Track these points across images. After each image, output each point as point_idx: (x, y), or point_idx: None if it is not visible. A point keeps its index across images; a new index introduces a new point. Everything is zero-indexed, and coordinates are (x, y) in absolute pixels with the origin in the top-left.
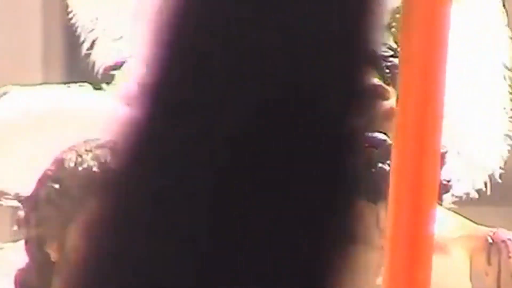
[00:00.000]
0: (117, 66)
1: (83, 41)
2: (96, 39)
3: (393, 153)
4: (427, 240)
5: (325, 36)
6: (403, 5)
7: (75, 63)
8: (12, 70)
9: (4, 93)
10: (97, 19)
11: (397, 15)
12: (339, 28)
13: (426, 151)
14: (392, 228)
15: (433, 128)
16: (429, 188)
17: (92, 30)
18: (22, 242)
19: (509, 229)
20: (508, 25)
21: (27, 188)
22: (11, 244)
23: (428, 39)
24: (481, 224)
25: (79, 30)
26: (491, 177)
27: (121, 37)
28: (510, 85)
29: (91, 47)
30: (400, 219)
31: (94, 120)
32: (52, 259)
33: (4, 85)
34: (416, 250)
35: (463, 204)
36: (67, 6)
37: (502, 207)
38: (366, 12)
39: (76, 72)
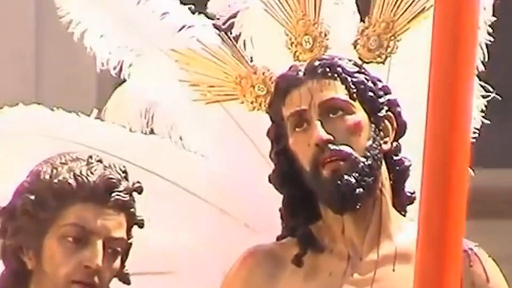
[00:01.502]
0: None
1: None
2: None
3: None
4: (457, 247)
5: None
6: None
7: None
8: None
9: None
10: None
11: (362, 33)
12: None
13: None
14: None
15: (461, 140)
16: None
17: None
18: None
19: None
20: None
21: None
22: None
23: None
24: None
25: None
26: None
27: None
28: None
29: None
30: (431, 229)
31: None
32: (29, 267)
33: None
34: (445, 257)
35: None
36: None
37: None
38: None
39: None
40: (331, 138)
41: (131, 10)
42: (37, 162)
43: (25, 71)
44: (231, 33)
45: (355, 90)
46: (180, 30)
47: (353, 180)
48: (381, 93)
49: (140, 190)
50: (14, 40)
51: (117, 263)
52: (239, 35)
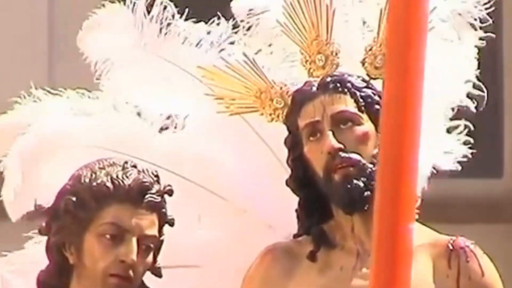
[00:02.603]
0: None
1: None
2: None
3: (378, 172)
4: (407, 246)
5: None
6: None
7: None
8: None
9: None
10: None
11: (370, 51)
12: None
13: (405, 170)
14: (377, 236)
15: (412, 148)
16: (408, 201)
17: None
18: (41, 247)
19: None
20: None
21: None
22: (32, 250)
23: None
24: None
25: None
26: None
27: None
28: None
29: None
30: (383, 228)
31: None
32: (71, 262)
33: None
34: (397, 252)
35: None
36: None
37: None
38: None
39: None
40: (342, 146)
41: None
42: (78, 167)
43: (38, 53)
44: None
45: (363, 103)
46: (206, 50)
47: (361, 184)
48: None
49: (170, 193)
50: (27, 23)
51: (150, 258)
52: (258, 52)
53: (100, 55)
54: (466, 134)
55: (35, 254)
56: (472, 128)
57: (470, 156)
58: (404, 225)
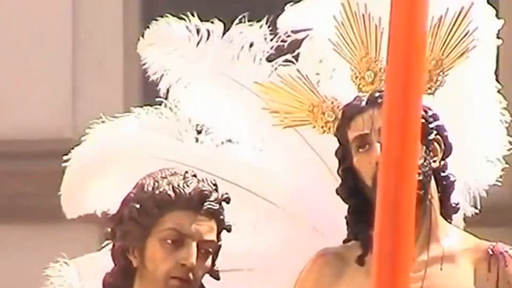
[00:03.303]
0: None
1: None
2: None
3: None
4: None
5: None
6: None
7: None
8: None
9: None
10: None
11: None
12: None
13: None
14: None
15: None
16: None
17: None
18: (108, 251)
19: None
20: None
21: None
22: (99, 253)
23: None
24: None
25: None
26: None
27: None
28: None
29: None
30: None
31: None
32: (134, 265)
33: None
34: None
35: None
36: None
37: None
38: None
39: None
40: None
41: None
42: (141, 176)
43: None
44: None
45: None
46: (263, 65)
47: None
48: (431, 119)
49: (228, 200)
50: (52, 64)
51: (209, 262)
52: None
53: (160, 66)
54: None
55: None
56: None
57: None
58: (403, 250)
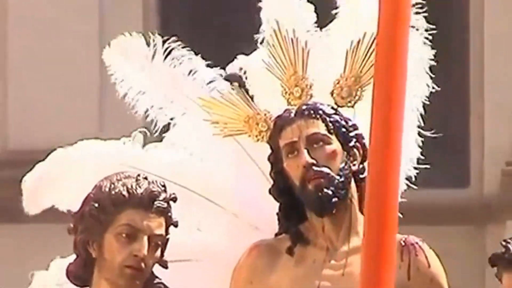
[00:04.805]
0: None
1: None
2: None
3: (367, 188)
4: (391, 252)
5: None
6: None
7: None
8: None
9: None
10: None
11: (337, 85)
12: None
13: (391, 173)
14: (367, 232)
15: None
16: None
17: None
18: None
19: None
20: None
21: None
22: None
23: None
24: None
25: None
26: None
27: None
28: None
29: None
30: (372, 228)
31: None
32: (93, 256)
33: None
34: (383, 248)
35: None
36: None
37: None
38: None
39: None
40: (315, 162)
41: (168, 72)
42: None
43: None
44: (242, 84)
45: (332, 127)
46: (207, 83)
47: (330, 192)
48: (351, 129)
49: (175, 200)
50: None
51: (158, 253)
52: (247, 86)
53: (130, 81)
54: (434, 147)
55: None
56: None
57: (439, 168)
58: (389, 234)
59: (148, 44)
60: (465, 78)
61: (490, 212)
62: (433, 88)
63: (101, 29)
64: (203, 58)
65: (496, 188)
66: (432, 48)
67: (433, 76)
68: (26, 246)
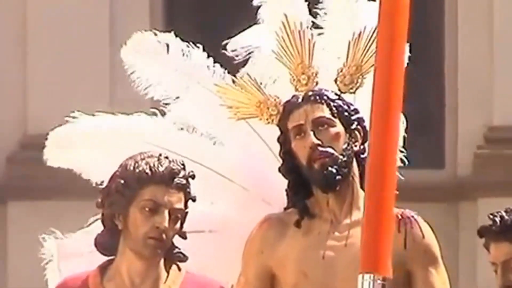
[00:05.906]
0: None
1: None
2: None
3: (367, 168)
4: (390, 223)
5: None
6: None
7: None
8: None
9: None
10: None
11: (341, 73)
12: None
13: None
14: (367, 208)
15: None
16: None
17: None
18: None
19: None
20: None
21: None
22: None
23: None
24: None
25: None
26: None
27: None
28: None
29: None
30: (372, 203)
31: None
32: (119, 228)
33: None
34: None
35: None
36: None
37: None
38: None
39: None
40: (320, 143)
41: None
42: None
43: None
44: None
45: (335, 111)
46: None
47: (334, 171)
48: (353, 113)
49: (193, 177)
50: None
51: (178, 225)
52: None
53: (146, 75)
54: (413, 132)
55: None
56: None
57: (418, 151)
58: (387, 208)
59: (159, 41)
60: (441, 69)
61: (463, 191)
62: (411, 76)
63: (111, 22)
64: (209, 56)
65: (469, 169)
66: (410, 41)
67: (411, 64)
68: (46, 222)
